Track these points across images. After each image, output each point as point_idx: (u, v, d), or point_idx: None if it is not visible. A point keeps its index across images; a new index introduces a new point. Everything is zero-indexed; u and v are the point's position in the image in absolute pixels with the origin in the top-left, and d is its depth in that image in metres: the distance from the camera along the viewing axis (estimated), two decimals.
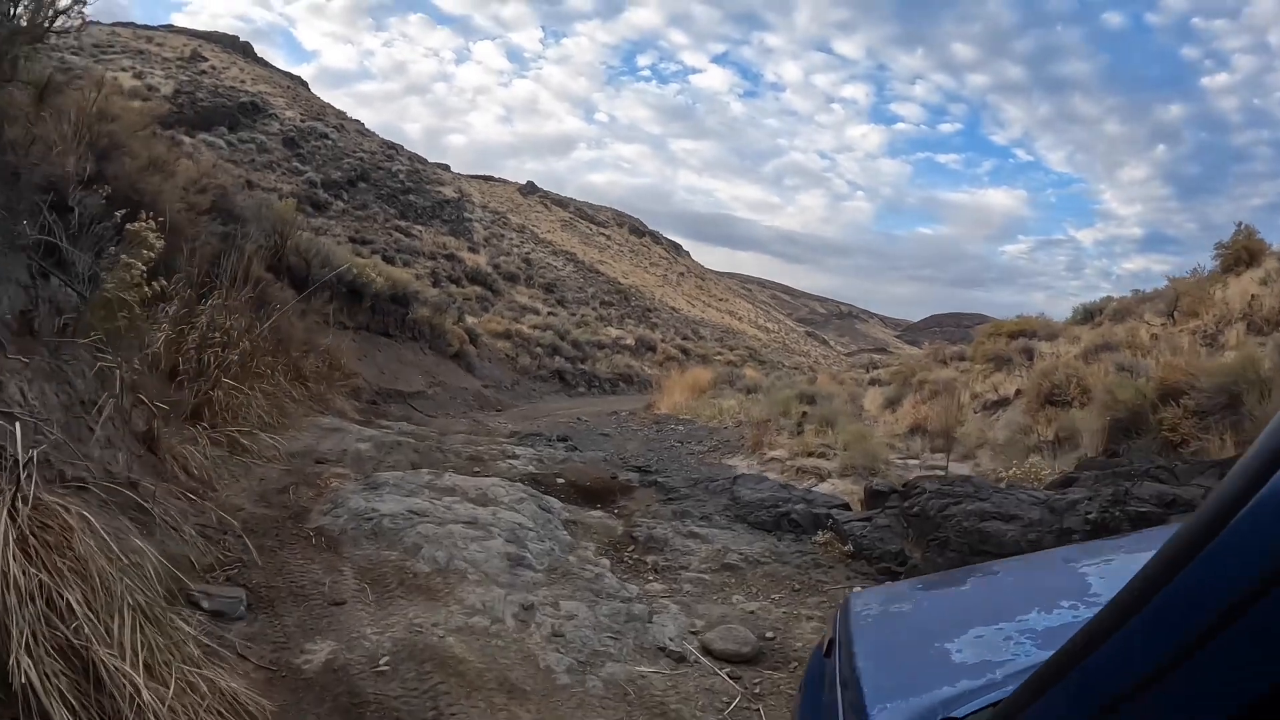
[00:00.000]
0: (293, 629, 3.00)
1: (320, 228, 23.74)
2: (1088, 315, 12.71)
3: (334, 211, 31.85)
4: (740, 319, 66.27)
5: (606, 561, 4.50)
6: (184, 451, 4.10)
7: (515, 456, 7.06)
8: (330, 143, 39.99)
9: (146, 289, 4.09)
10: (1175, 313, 10.19)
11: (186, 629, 2.49)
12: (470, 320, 20.45)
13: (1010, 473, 6.85)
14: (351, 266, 12.13)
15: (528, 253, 44.95)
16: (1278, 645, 0.50)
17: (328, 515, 4.22)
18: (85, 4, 3.66)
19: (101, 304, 3.73)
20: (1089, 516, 4.39)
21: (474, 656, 3.01)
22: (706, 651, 3.47)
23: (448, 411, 12.61)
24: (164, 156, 7.21)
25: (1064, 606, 1.32)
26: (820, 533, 5.16)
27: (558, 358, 23.06)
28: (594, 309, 37.82)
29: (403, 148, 49.87)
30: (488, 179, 66.67)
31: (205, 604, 2.90)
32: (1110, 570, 1.55)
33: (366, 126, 49.69)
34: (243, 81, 40.78)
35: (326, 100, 50.93)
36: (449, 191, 47.44)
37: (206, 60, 41.12)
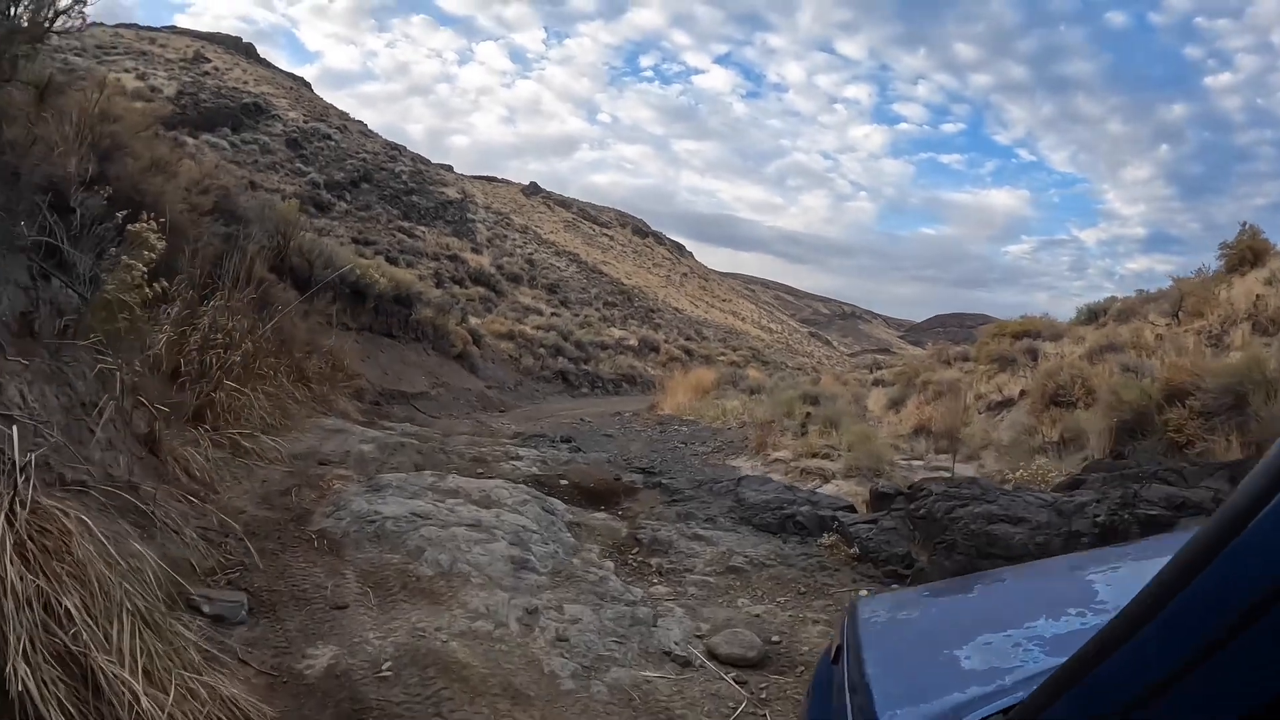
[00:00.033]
0: (294, 634, 2.97)
1: (323, 229, 23.78)
2: (1092, 315, 12.66)
3: (337, 212, 31.88)
4: (743, 319, 66.22)
5: (611, 564, 4.46)
6: (185, 454, 4.07)
7: (519, 458, 7.04)
8: (333, 144, 40.03)
9: (148, 290, 4.07)
10: (1180, 313, 10.15)
11: (187, 634, 2.46)
12: (473, 321, 20.46)
13: (1017, 474, 6.81)
14: (354, 267, 12.14)
15: (531, 253, 44.97)
16: None
17: (330, 518, 4.19)
18: (86, 4, 3.64)
19: (102, 305, 3.71)
20: (1097, 519, 4.35)
21: (477, 661, 2.98)
22: (712, 656, 3.43)
23: (451, 412, 12.60)
24: (167, 157, 7.20)
25: (1071, 614, 1.34)
26: (826, 535, 5.13)
27: (561, 358, 23.04)
28: (597, 310, 37.83)
29: (406, 149, 49.96)
30: (491, 180, 66.70)
31: (206, 608, 2.87)
32: (1116, 578, 1.58)
33: (369, 127, 49.74)
34: (246, 82, 40.84)
35: (329, 101, 50.99)
36: (452, 192, 47.48)
37: (209, 61, 41.17)
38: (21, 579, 1.94)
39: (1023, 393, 10.03)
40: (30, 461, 2.29)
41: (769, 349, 49.50)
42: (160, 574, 2.56)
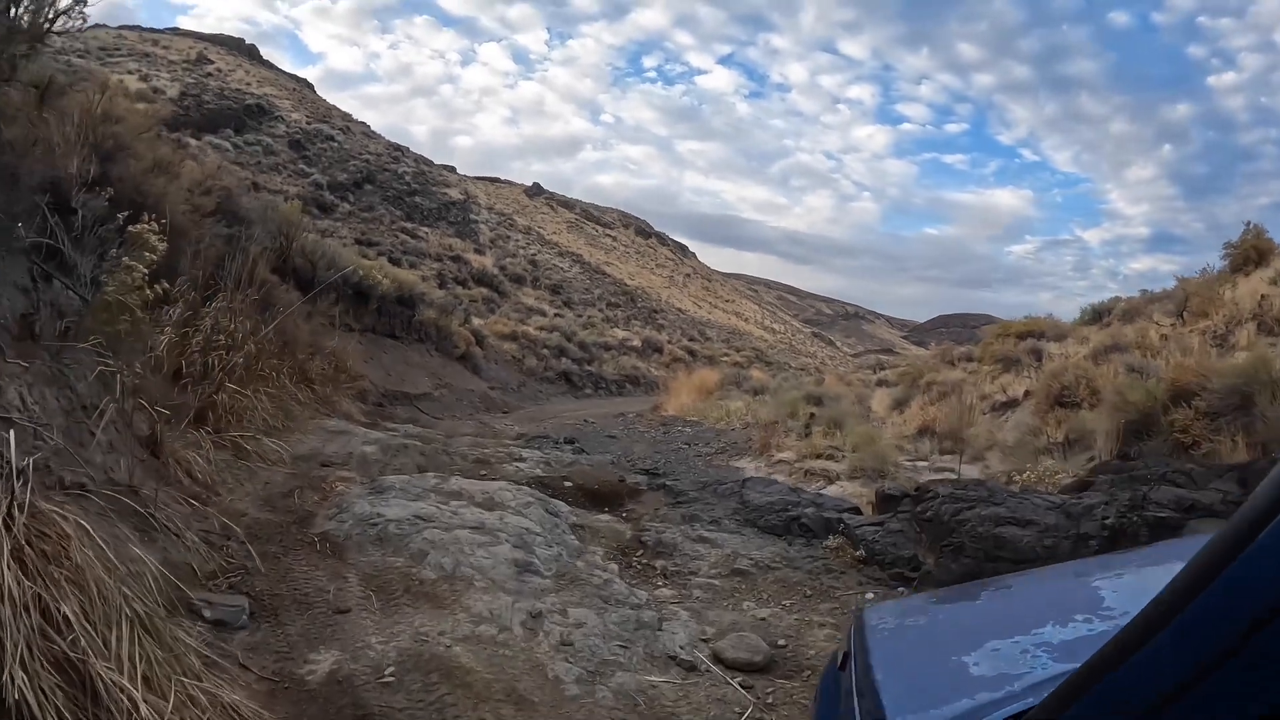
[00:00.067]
0: (296, 638, 2.94)
1: (326, 230, 23.81)
2: (1096, 316, 12.61)
3: (340, 213, 31.95)
4: (747, 320, 66.15)
5: (615, 567, 4.43)
6: (187, 456, 4.05)
7: (522, 459, 7.01)
8: (336, 145, 40.09)
9: (149, 292, 4.04)
10: (1184, 313, 10.10)
11: (187, 640, 2.44)
12: (476, 322, 20.45)
13: (1024, 476, 6.76)
14: (357, 268, 12.13)
15: (534, 254, 44.98)
16: None
17: (333, 520, 4.17)
18: (86, 4, 3.62)
19: (103, 307, 3.68)
20: (1106, 522, 4.31)
21: (481, 666, 2.95)
22: (717, 660, 3.40)
23: (454, 413, 12.58)
24: (169, 158, 7.18)
25: (1079, 620, 1.34)
26: (831, 537, 5.09)
27: (564, 359, 23.03)
28: (600, 310, 37.82)
29: (409, 150, 50.02)
30: (494, 180, 66.76)
31: (207, 613, 2.84)
32: (1123, 584, 1.60)
33: (372, 128, 49.86)
34: (248, 84, 40.95)
35: (332, 102, 51.14)
36: (455, 193, 47.53)
37: (212, 63, 41.29)
38: (19, 584, 1.92)
39: (1027, 393, 9.98)
40: (29, 465, 2.27)
41: (772, 349, 49.44)
42: (160, 578, 2.54)
